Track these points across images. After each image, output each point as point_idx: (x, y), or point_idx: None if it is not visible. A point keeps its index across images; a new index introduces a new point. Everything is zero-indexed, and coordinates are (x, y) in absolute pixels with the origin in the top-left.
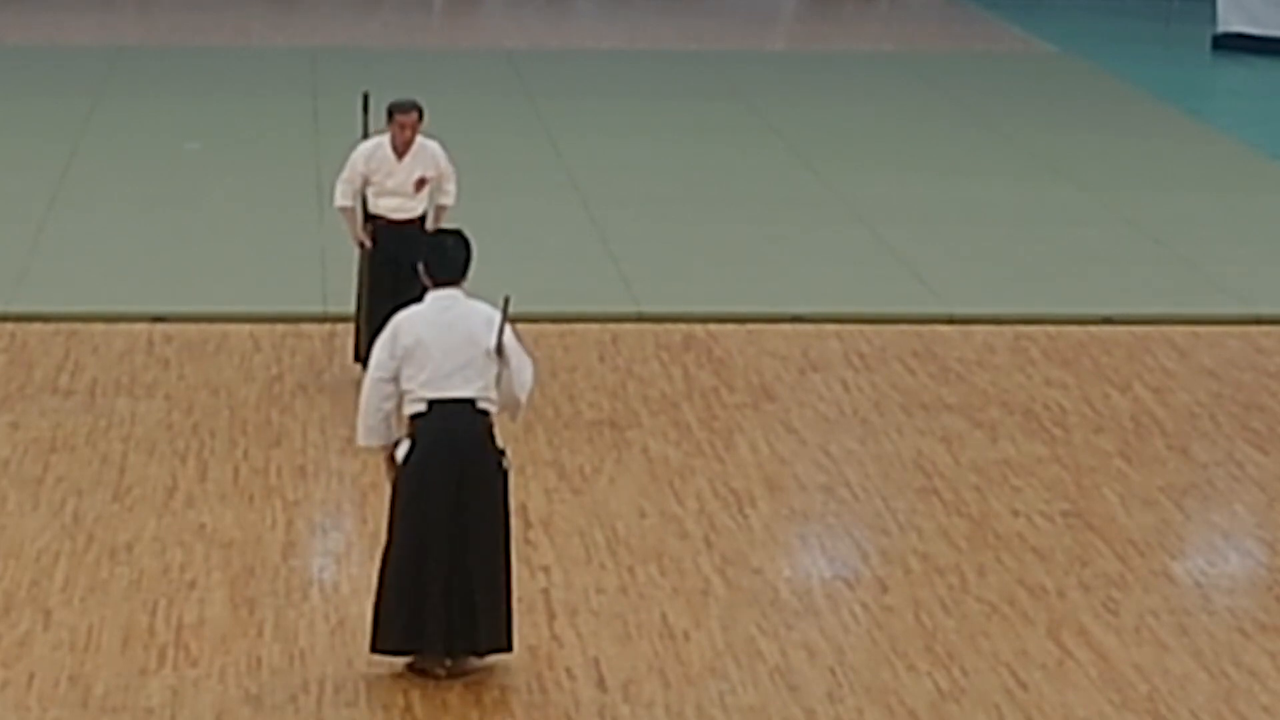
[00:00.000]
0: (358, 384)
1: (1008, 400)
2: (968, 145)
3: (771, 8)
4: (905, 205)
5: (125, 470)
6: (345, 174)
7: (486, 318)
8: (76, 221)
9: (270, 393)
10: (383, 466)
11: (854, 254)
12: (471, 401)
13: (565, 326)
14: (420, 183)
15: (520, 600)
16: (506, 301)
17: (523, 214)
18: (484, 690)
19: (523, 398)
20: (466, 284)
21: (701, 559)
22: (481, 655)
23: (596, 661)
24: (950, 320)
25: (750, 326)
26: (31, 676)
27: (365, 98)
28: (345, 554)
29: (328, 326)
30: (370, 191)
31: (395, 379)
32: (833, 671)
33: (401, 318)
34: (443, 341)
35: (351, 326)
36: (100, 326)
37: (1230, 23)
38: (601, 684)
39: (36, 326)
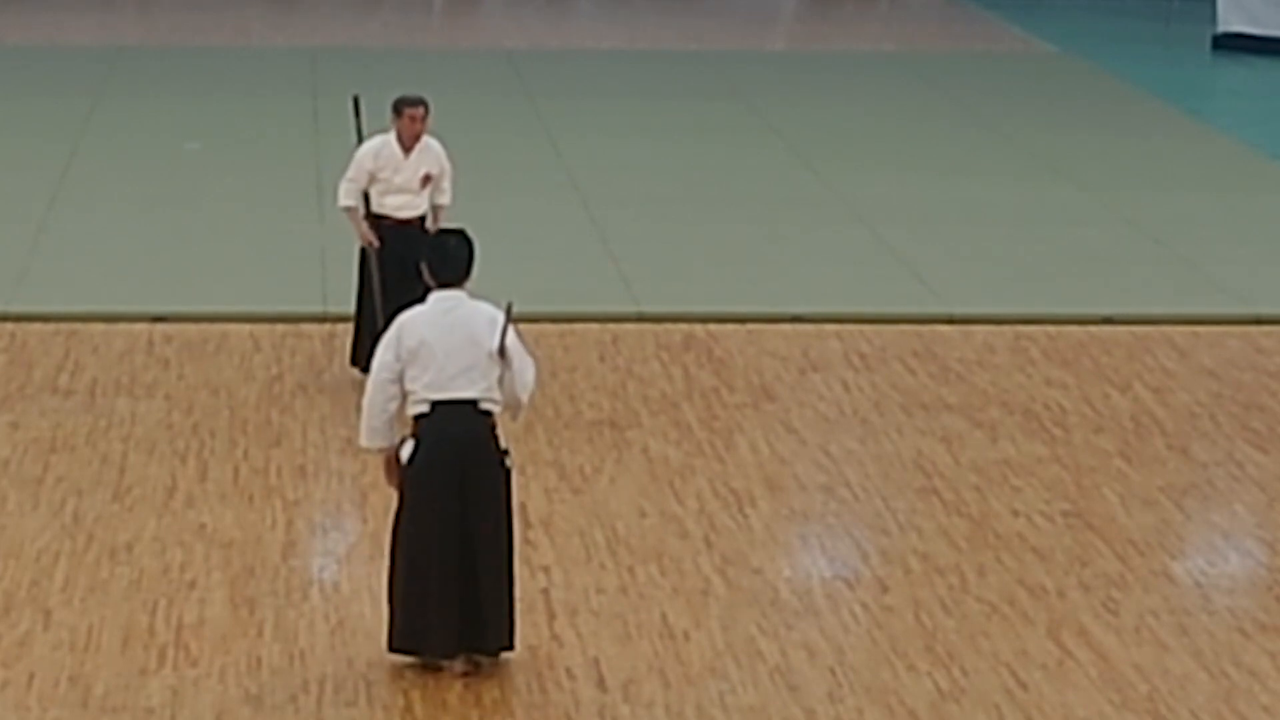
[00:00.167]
0: (357, 386)
1: (1008, 400)
2: (968, 145)
3: (771, 8)
4: (905, 205)
5: (125, 470)
6: (350, 173)
7: (489, 318)
8: (76, 221)
9: (270, 393)
10: (382, 468)
11: (854, 254)
12: (474, 402)
13: (565, 326)
14: (426, 179)
15: (520, 600)
16: (509, 307)
17: (523, 214)
18: (484, 690)
19: (524, 398)
20: (469, 284)
21: (701, 559)
22: (493, 654)
23: (596, 661)
24: (950, 320)
25: (750, 326)
26: (31, 676)
27: (355, 101)
28: (345, 554)
29: (328, 326)
30: (376, 190)
31: (399, 380)
32: (833, 671)
33: (405, 319)
34: (446, 343)
35: (350, 328)
36: (100, 326)
37: (1230, 23)
38: (601, 684)
39: (36, 326)
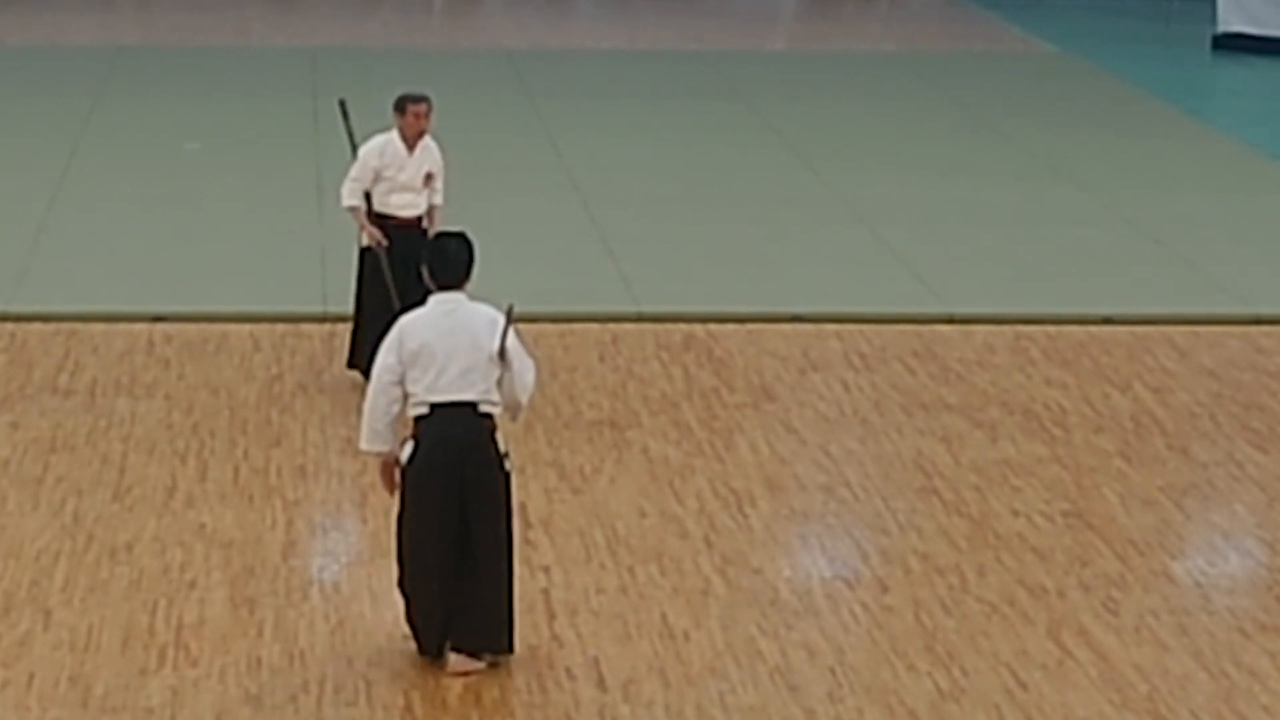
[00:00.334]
0: (357, 386)
1: (1008, 400)
2: (968, 145)
3: (771, 8)
4: (905, 205)
5: (125, 470)
6: (355, 172)
7: (490, 320)
8: (76, 221)
9: (270, 393)
10: (378, 472)
11: (854, 254)
12: (474, 404)
13: (565, 326)
14: (428, 177)
15: (520, 600)
16: (510, 310)
17: (523, 214)
18: (484, 690)
19: (524, 400)
20: (469, 286)
21: (701, 559)
22: (477, 657)
23: (596, 661)
24: (950, 320)
25: (750, 326)
26: (31, 676)
27: (342, 104)
28: (345, 554)
29: (328, 326)
30: (381, 189)
31: (402, 383)
32: (833, 671)
33: (405, 321)
34: (446, 345)
35: (349, 330)
36: (100, 326)
37: (1230, 23)
38: (601, 684)
39: (36, 326)
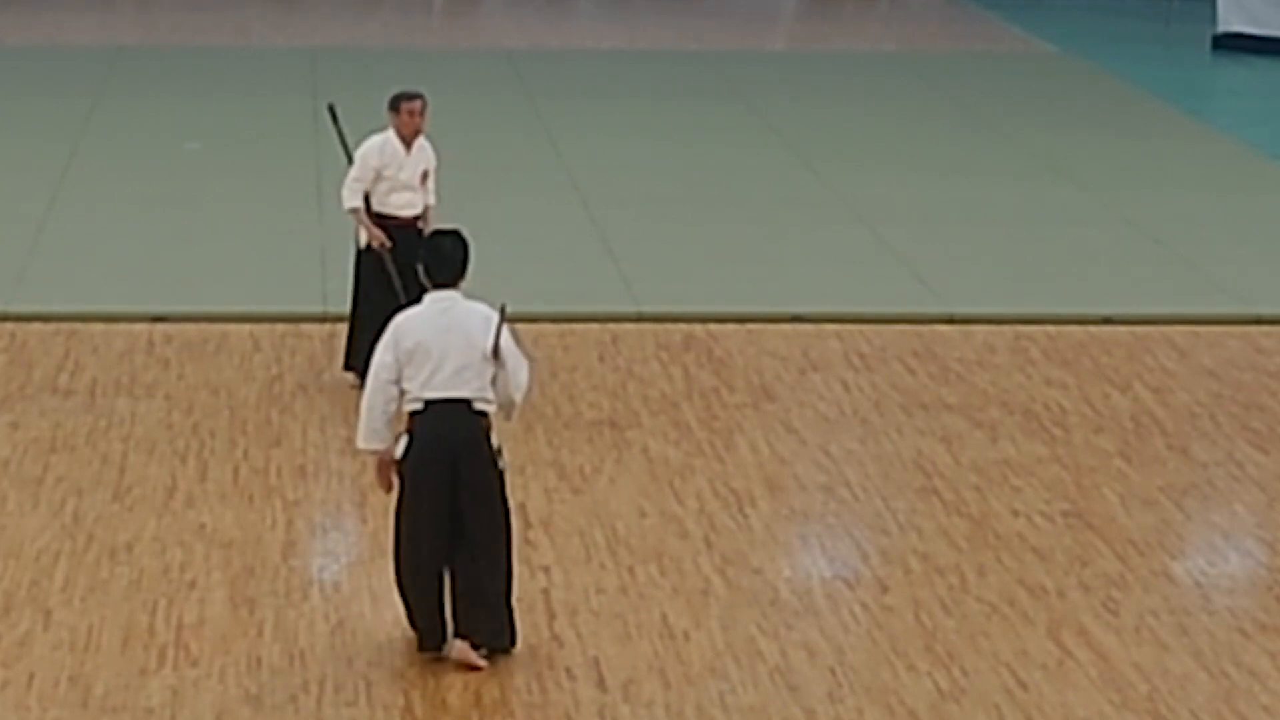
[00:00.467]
0: (357, 386)
1: (1008, 400)
2: (968, 145)
3: (771, 8)
4: (905, 205)
5: (125, 470)
6: (355, 173)
7: (484, 318)
8: (76, 221)
9: (270, 393)
10: (373, 470)
11: (854, 254)
12: (468, 402)
13: (565, 326)
14: (425, 175)
15: (520, 600)
16: (503, 309)
17: (523, 214)
18: (484, 690)
19: (518, 399)
20: (466, 284)
21: (701, 559)
22: (475, 649)
23: (596, 661)
24: (950, 320)
25: (750, 326)
26: (31, 676)
27: (331, 109)
28: (345, 554)
29: (328, 326)
30: (381, 189)
31: (398, 381)
32: (833, 671)
33: (401, 320)
34: (442, 343)
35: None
36: (100, 326)
37: (1230, 23)
38: (601, 684)
39: (36, 326)
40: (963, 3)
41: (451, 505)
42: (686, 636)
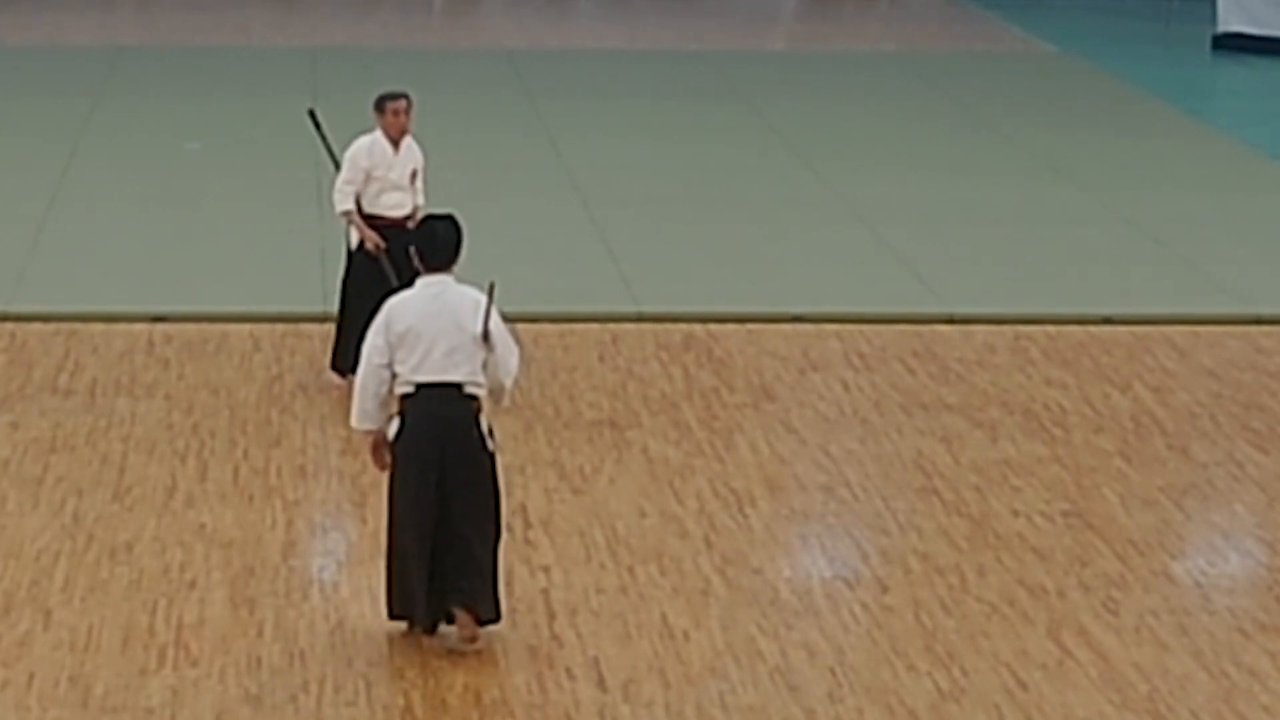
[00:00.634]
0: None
1: (1008, 400)
2: (968, 145)
3: (771, 8)
4: (905, 205)
5: (125, 470)
6: (345, 175)
7: (475, 302)
8: (76, 221)
9: (270, 393)
10: (368, 450)
11: (854, 254)
12: (459, 385)
13: (565, 326)
14: (413, 175)
15: (520, 600)
16: (492, 287)
17: (523, 214)
18: (484, 690)
19: (508, 383)
20: (459, 270)
21: (701, 559)
22: (477, 620)
23: (596, 661)
24: (950, 320)
25: (750, 326)
26: (31, 676)
27: (312, 114)
28: (345, 554)
29: (327, 326)
30: (371, 190)
31: (390, 364)
32: (833, 671)
33: (393, 304)
34: (433, 327)
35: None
36: (100, 326)
37: (1230, 23)
38: (601, 684)
39: (36, 326)
40: (963, 3)
41: (440, 487)
42: (686, 636)
